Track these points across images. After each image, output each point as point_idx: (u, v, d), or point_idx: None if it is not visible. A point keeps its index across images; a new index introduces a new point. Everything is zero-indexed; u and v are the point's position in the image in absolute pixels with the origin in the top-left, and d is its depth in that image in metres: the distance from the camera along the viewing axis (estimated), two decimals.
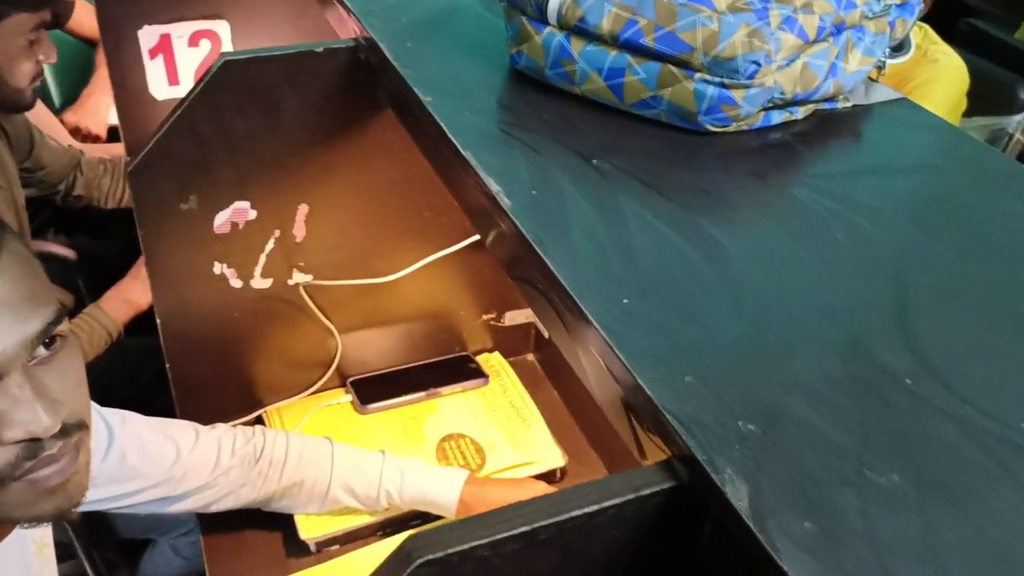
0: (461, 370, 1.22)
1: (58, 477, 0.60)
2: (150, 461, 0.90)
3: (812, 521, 0.41)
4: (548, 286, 0.57)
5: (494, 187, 0.63)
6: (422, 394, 1.19)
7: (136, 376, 1.50)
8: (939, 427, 0.46)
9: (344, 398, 1.18)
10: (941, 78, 1.88)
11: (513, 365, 1.27)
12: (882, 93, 0.81)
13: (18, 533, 0.76)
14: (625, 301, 0.53)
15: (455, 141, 0.68)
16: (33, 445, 0.58)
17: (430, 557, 0.41)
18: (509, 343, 1.29)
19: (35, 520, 0.63)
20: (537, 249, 0.57)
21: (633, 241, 0.58)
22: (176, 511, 0.95)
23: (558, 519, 0.43)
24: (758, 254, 0.58)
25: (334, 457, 1.00)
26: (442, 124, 0.70)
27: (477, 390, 1.21)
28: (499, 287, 1.22)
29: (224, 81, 0.88)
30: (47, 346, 0.60)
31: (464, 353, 1.26)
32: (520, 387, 1.21)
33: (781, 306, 0.54)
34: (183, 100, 0.90)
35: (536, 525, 0.43)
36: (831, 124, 0.76)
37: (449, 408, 1.18)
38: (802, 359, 0.50)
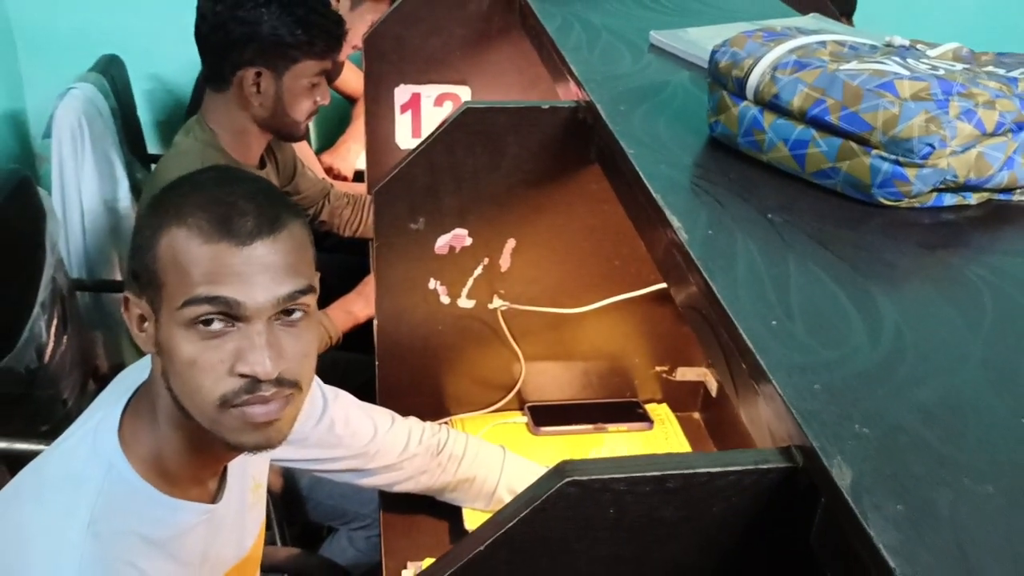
0: (629, 413, 1.31)
1: (264, 417, 0.74)
2: (352, 434, 1.06)
3: (904, 505, 0.48)
4: (710, 308, 0.67)
5: (675, 223, 0.74)
6: (590, 427, 1.29)
7: (343, 385, 1.70)
8: None
9: (520, 419, 1.30)
10: None
11: (679, 420, 1.34)
12: None
13: (242, 468, 0.93)
14: (774, 322, 0.62)
15: (649, 186, 0.80)
16: (252, 383, 0.72)
17: (577, 479, 0.52)
18: (678, 398, 1.36)
19: (239, 447, 0.77)
20: (703, 272, 0.67)
21: (790, 279, 0.67)
22: (366, 484, 1.10)
23: (684, 471, 0.52)
24: (904, 304, 0.65)
25: (505, 463, 1.12)
26: (640, 172, 0.82)
27: (641, 433, 1.29)
28: (675, 341, 1.30)
29: (463, 124, 1.05)
30: (290, 313, 0.74)
31: (634, 399, 1.35)
32: (683, 438, 1.28)
33: (916, 348, 0.61)
34: (426, 138, 1.08)
35: (665, 472, 0.52)
36: (1003, 213, 0.80)
37: (612, 444, 1.27)
38: (928, 391, 0.57)
